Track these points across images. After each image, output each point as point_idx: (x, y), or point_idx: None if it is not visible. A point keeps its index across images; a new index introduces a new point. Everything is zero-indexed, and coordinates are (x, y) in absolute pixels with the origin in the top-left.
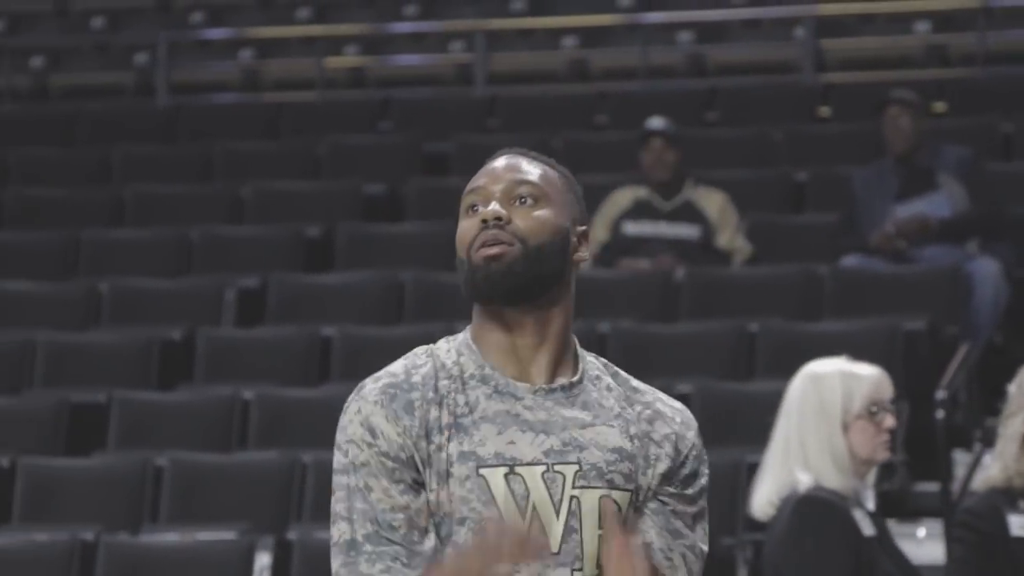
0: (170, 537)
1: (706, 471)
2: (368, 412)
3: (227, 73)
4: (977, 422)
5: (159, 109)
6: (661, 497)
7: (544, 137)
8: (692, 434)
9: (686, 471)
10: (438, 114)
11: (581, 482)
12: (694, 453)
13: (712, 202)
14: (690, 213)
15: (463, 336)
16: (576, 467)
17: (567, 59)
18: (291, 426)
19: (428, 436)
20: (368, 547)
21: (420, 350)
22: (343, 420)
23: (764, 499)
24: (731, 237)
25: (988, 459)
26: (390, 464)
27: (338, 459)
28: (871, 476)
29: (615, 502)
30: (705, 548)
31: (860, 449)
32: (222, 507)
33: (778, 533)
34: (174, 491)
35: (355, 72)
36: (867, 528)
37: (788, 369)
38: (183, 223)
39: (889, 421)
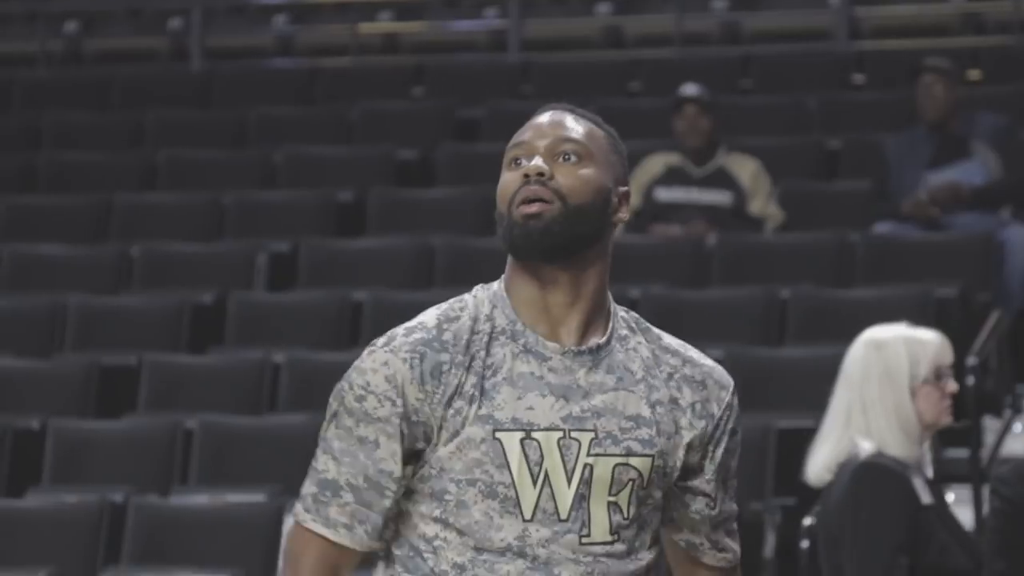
0: (200, 499)
1: (739, 426)
2: (396, 369)
3: (261, 38)
4: (1007, 389)
5: (193, 74)
6: (711, 464)
7: (577, 104)
8: (726, 394)
9: (720, 432)
10: (471, 80)
11: (596, 450)
12: (728, 413)
13: (745, 169)
14: (723, 179)
15: (497, 287)
16: (592, 435)
17: (601, 26)
18: (321, 390)
19: (451, 402)
20: (348, 497)
21: (456, 302)
22: (365, 363)
23: (821, 465)
24: (763, 204)
25: (1018, 426)
26: (405, 429)
27: (348, 399)
28: (927, 443)
29: (635, 468)
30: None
31: (926, 414)
32: (252, 470)
33: (836, 499)
34: (204, 453)
35: (388, 38)
36: (925, 496)
37: (819, 335)
38: (215, 187)
39: (952, 385)
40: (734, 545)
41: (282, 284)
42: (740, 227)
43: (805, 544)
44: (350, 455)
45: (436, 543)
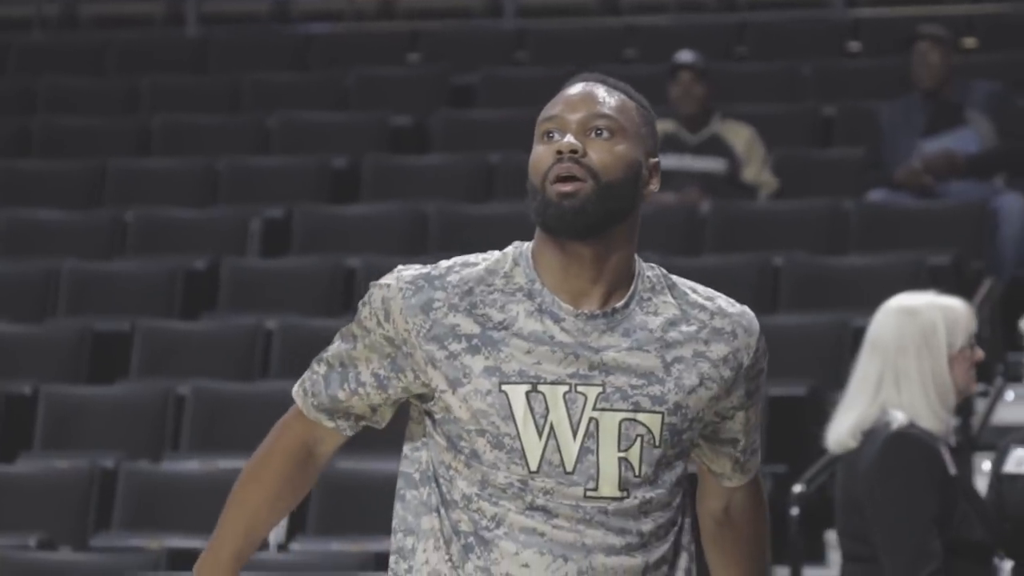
0: (191, 465)
1: (766, 363)
2: (391, 295)
3: (256, 4)
4: (999, 357)
5: (188, 39)
6: (740, 410)
7: (573, 71)
8: (753, 340)
9: (750, 378)
10: (466, 46)
11: (602, 404)
12: (756, 358)
13: (739, 136)
14: (717, 147)
15: (526, 248)
16: (599, 389)
17: None
18: (314, 356)
19: (440, 341)
20: (319, 369)
21: (485, 252)
22: (382, 279)
23: (845, 432)
24: (758, 171)
25: (1010, 394)
26: (387, 348)
27: (362, 303)
28: None
29: (643, 424)
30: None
31: (959, 383)
32: (243, 436)
33: (864, 468)
34: (196, 419)
35: (384, 4)
36: (952, 467)
37: (812, 303)
38: (210, 153)
39: (980, 353)
40: (755, 463)
41: (275, 250)
42: (734, 194)
43: (795, 512)
44: (339, 340)
45: (451, 472)
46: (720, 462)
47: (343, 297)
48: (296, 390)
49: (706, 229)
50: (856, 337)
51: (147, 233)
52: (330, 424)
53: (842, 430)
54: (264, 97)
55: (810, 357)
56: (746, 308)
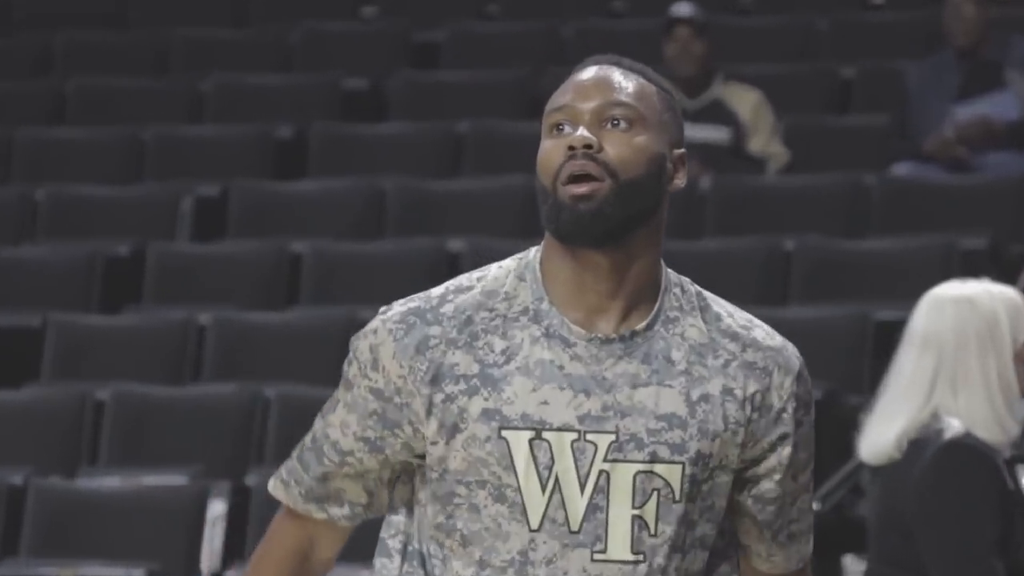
0: (111, 482)
1: (811, 417)
2: (379, 341)
3: None
4: None
5: None
6: (771, 463)
7: (553, 26)
8: (789, 380)
9: (781, 425)
10: None
11: (615, 455)
12: (792, 403)
13: (744, 101)
14: (719, 113)
15: (533, 257)
16: (612, 437)
17: None
18: (253, 356)
19: (438, 382)
20: (296, 452)
21: (479, 271)
22: (365, 328)
23: (891, 441)
24: (766, 141)
25: None
26: (372, 404)
27: (347, 362)
28: None
29: (660, 477)
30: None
31: (1021, 383)
32: (172, 448)
33: (914, 483)
34: (117, 429)
35: None
36: (1010, 482)
37: (828, 293)
38: (134, 122)
39: None
40: (799, 549)
41: (210, 233)
42: (738, 168)
43: None
44: (317, 418)
45: (445, 551)
46: (749, 533)
47: (287, 288)
48: (273, 485)
49: (706, 208)
50: (879, 332)
51: (61, 214)
52: (321, 515)
53: (887, 439)
54: (196, 57)
55: (826, 356)
56: (788, 343)
